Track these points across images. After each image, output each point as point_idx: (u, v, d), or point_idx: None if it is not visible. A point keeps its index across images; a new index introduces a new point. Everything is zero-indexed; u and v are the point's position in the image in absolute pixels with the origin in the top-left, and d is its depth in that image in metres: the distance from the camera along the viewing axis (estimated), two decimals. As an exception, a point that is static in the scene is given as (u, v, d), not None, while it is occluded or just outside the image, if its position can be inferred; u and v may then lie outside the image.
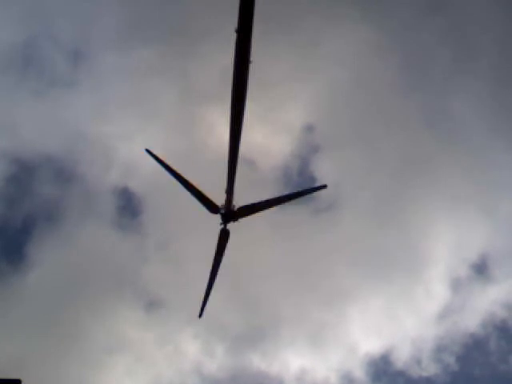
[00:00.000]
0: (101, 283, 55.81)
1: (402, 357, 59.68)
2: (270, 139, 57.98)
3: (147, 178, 57.61)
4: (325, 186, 30.53)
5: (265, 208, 30.00)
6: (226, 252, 46.32)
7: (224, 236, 29.72)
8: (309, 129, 60.09)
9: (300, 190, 31.15)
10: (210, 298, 31.88)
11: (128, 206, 61.19)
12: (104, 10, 56.49)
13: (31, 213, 60.25)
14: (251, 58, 20.42)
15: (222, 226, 29.45)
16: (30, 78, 58.60)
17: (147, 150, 29.96)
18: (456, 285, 60.88)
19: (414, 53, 57.66)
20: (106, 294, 56.45)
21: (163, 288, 57.70)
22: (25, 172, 59.69)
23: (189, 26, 53.74)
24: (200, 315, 32.79)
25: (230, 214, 28.42)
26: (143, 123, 57.62)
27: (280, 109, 57.42)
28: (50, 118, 59.47)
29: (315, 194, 55.72)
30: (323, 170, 59.77)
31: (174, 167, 29.61)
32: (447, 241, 60.39)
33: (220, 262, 30.48)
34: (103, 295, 56.06)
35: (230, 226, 31.69)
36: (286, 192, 31.52)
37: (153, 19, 55.32)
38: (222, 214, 28.73)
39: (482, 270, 60.74)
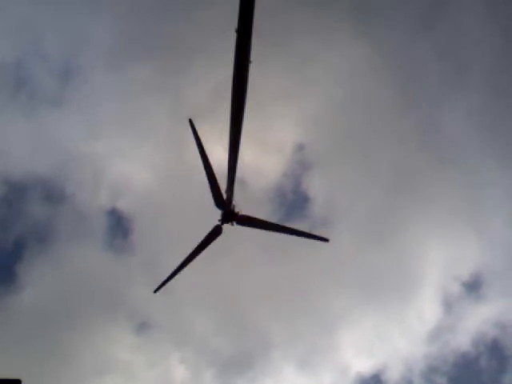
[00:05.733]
0: (91, 304, 55.08)
1: (393, 376, 59.32)
2: (261, 159, 58.05)
3: (137, 197, 57.53)
4: (327, 240, 32.68)
5: (263, 227, 31.04)
6: (218, 274, 46.18)
7: (215, 231, 30.11)
8: (300, 148, 60.35)
9: (303, 231, 32.53)
10: (173, 280, 33.02)
11: (118, 227, 60.89)
12: (95, 29, 56.71)
13: (21, 234, 59.63)
14: (251, 58, 20.43)
15: (219, 223, 29.52)
16: (20, 98, 58.46)
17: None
18: (448, 304, 60.94)
19: (408, 70, 58.39)
20: (97, 315, 55.67)
21: (153, 310, 57.15)
22: (15, 193, 59.16)
23: (180, 44, 54.10)
24: (156, 291, 33.46)
25: (230, 213, 28.49)
26: (134, 142, 57.71)
27: (271, 128, 57.61)
28: (40, 138, 59.30)
29: (309, 211, 56.25)
30: (316, 189, 59.96)
31: (205, 149, 29.89)
32: (439, 259, 60.62)
33: (199, 253, 31.17)
34: (94, 316, 55.28)
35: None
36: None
37: (144, 37, 55.67)
38: (222, 212, 28.85)
39: (473, 288, 60.93)
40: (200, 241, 30.78)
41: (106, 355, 56.17)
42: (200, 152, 29.32)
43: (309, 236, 32.36)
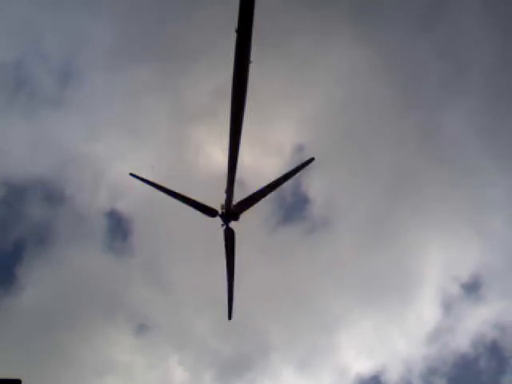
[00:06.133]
0: (91, 305, 55.11)
1: (392, 378, 59.32)
2: (261, 160, 57.89)
3: (137, 198, 57.41)
4: (312, 159, 29.93)
5: (261, 197, 29.77)
6: (217, 275, 45.90)
7: (229, 235, 29.68)
8: (300, 148, 60.23)
9: (290, 171, 30.22)
10: (235, 298, 31.85)
11: (118, 228, 60.86)
12: (95, 29, 56.66)
13: (21, 235, 59.61)
14: (251, 59, 20.52)
15: (225, 227, 29.37)
16: (19, 99, 58.42)
17: (132, 174, 31.11)
18: (447, 305, 60.94)
19: (408, 70, 58.34)
20: (96, 316, 55.69)
21: (153, 311, 57.20)
22: (14, 194, 59.12)
23: (180, 45, 54.07)
24: (229, 317, 32.76)
25: (231, 212, 28.37)
26: (133, 143, 57.64)
27: (270, 129, 57.53)
28: (39, 139, 59.23)
29: (309, 212, 56.23)
30: (315, 190, 59.95)
31: (163, 184, 30.26)
32: (439, 260, 60.55)
33: (233, 261, 30.36)
34: (93, 317, 55.30)
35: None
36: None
37: (144, 38, 55.62)
38: (221, 214, 28.68)
39: (473, 289, 60.90)
40: (225, 253, 30.35)
41: (106, 356, 56.26)
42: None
43: (297, 170, 29.97)
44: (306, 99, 57.80)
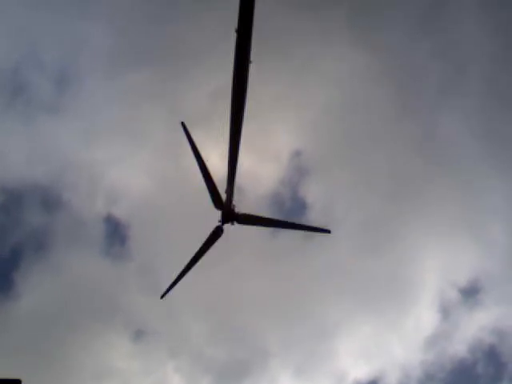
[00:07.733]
0: (89, 311, 54.85)
1: (390, 383, 59.15)
2: (259, 166, 57.87)
3: (135, 203, 57.41)
4: (329, 231, 31.54)
5: (265, 224, 30.99)
6: (215, 281, 45.73)
7: (217, 232, 29.85)
8: (298, 154, 60.25)
9: (304, 225, 31.80)
10: (178, 285, 32.27)
11: (115, 233, 60.70)
12: (92, 34, 56.68)
13: (19, 241, 59.46)
14: (251, 59, 20.58)
15: (220, 224, 29.53)
16: (17, 105, 58.38)
17: (183, 124, 30.30)
18: (445, 310, 60.82)
19: (407, 73, 58.42)
20: (94, 322, 55.41)
21: (151, 317, 56.94)
22: (12, 200, 59.01)
23: (178, 50, 54.09)
24: (162, 297, 32.96)
25: (230, 213, 28.37)
26: (131, 148, 57.59)
27: (268, 135, 57.49)
28: (37, 145, 59.19)
29: (306, 218, 55.92)
30: (313, 196, 59.89)
31: (200, 151, 29.54)
32: (437, 265, 60.45)
33: (201, 256, 30.59)
34: (91, 323, 55.00)
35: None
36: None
37: (143, 40, 55.63)
38: (222, 213, 28.74)
39: (471, 295, 60.85)
40: (202, 243, 30.39)
41: (104, 361, 56.04)
42: (195, 154, 28.93)
43: (310, 229, 31.68)
44: (305, 103, 57.87)
